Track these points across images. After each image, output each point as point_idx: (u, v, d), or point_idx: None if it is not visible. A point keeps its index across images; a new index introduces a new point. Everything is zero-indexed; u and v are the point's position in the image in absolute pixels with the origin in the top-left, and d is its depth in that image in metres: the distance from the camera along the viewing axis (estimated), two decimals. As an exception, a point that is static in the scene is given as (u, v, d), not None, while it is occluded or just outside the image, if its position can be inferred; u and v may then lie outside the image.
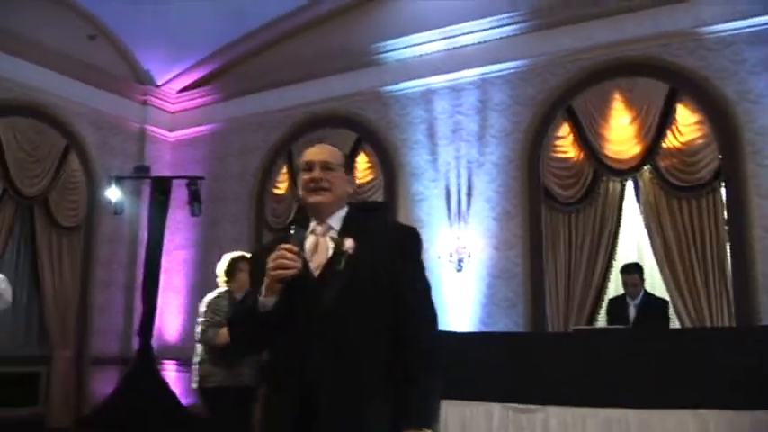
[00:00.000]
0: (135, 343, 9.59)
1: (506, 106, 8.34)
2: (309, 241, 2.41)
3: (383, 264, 2.32)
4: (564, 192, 7.76)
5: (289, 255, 2.24)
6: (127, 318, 10.27)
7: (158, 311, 9.70)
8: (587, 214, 7.61)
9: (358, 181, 8.76)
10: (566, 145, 7.86)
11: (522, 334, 7.41)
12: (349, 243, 2.33)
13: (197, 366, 5.45)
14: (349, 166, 2.58)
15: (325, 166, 2.45)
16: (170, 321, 10.51)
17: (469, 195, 8.38)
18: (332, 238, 2.39)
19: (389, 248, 2.36)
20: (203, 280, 10.26)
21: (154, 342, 9.49)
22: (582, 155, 7.72)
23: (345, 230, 2.41)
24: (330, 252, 2.36)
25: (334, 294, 2.27)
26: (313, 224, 2.46)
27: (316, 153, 2.49)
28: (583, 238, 7.59)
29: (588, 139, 7.67)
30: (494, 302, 8.02)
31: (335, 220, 2.45)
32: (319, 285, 2.31)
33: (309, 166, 2.47)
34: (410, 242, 2.46)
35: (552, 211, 7.84)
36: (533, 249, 7.87)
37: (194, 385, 5.49)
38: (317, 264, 2.36)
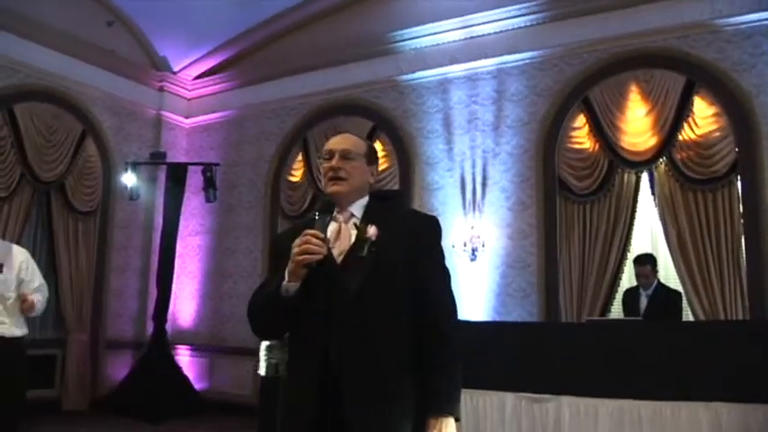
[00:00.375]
0: (149, 327, 9.68)
1: (522, 96, 8.34)
2: (332, 228, 2.42)
3: (404, 251, 2.34)
4: (579, 183, 7.76)
5: (314, 240, 2.26)
6: (141, 303, 10.34)
7: (172, 297, 9.79)
8: (602, 205, 7.60)
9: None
10: (581, 136, 7.86)
11: (535, 324, 7.43)
12: (372, 230, 2.36)
13: (266, 353, 5.39)
14: (372, 156, 2.58)
15: (345, 156, 2.48)
16: (184, 307, 10.56)
17: (484, 185, 8.39)
18: (355, 225, 2.43)
19: (409, 236, 2.38)
20: (218, 266, 10.39)
21: (168, 327, 9.60)
22: (597, 146, 7.71)
23: (367, 218, 2.44)
24: (353, 239, 2.39)
25: (358, 281, 2.28)
26: (336, 212, 2.47)
27: (337, 142, 2.53)
28: (597, 229, 7.58)
29: (604, 130, 7.66)
30: (507, 292, 8.03)
31: (356, 209, 2.49)
32: (342, 272, 2.32)
33: (330, 155, 2.50)
34: (430, 230, 2.48)
35: (567, 201, 7.84)
36: (547, 239, 7.87)
37: (262, 372, 5.44)
38: (339, 250, 2.38)
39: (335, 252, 2.38)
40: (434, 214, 8.22)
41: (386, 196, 3.14)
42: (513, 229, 8.14)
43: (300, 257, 2.24)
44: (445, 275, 2.46)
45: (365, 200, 2.52)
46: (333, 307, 2.28)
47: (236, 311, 10.05)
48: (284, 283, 2.30)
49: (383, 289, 2.29)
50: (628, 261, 7.36)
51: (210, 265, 10.50)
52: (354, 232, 2.41)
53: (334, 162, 2.47)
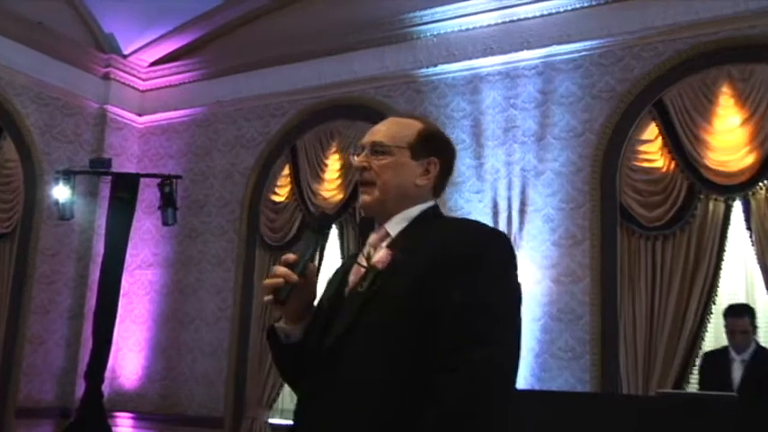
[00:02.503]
0: (79, 388, 9.52)
1: (575, 99, 8.32)
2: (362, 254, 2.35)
3: (418, 285, 2.13)
4: (648, 212, 7.71)
5: (280, 270, 2.20)
6: (70, 355, 10.21)
7: (113, 348, 9.64)
8: (678, 242, 7.55)
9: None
10: (652, 151, 7.82)
11: (587, 395, 7.38)
12: (380, 255, 2.23)
13: None
14: (425, 146, 2.38)
15: (376, 149, 2.35)
16: (128, 361, 10.48)
17: (523, 212, 8.35)
18: (366, 249, 2.35)
19: (433, 261, 2.15)
20: (175, 309, 10.39)
21: (105, 388, 9.43)
22: (673, 164, 7.68)
23: (401, 238, 2.28)
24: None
25: (343, 324, 2.18)
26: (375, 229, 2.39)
27: (371, 132, 2.41)
28: (672, 272, 7.52)
29: (683, 145, 7.62)
30: (551, 352, 7.97)
31: (395, 225, 2.33)
32: (339, 312, 2.25)
33: (360, 152, 2.41)
34: (472, 247, 2.20)
35: (632, 236, 7.80)
36: (605, 284, 7.81)
37: None
38: (351, 285, 2.30)
39: (349, 287, 2.30)
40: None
41: None
42: (560, 270, 8.09)
43: (265, 297, 2.22)
44: (492, 302, 2.13)
45: (414, 211, 2.35)
46: (312, 359, 2.24)
47: (196, 369, 9.97)
48: (278, 325, 2.30)
49: (376, 335, 2.13)
50: (713, 315, 7.29)
51: (165, 308, 10.45)
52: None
53: (359, 160, 2.37)
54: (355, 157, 2.39)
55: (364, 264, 2.27)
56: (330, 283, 2.39)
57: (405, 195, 2.34)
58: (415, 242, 2.22)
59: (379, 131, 2.38)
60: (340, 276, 2.36)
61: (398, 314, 2.11)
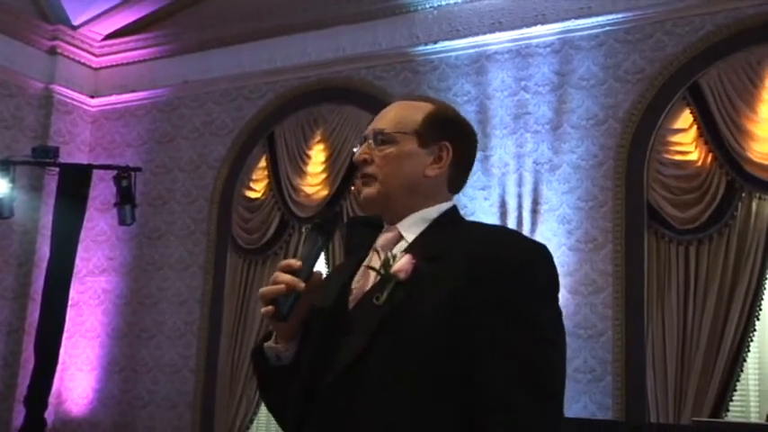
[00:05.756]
0: (18, 415, 9.49)
1: (596, 81, 8.32)
2: (370, 258, 2.31)
3: (457, 302, 2.08)
4: (680, 212, 7.71)
5: (282, 277, 2.15)
6: (8, 376, 10.15)
7: (59, 368, 9.65)
8: (716, 246, 7.54)
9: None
10: (686, 142, 7.83)
11: (609, 423, 7.40)
12: (402, 263, 2.15)
13: None
14: (434, 131, 2.36)
15: (379, 139, 2.34)
16: (77, 383, 10.45)
17: (535, 212, 8.36)
18: (382, 254, 2.27)
19: (477, 272, 2.10)
20: (133, 321, 10.40)
21: (49, 414, 9.43)
22: (710, 157, 7.68)
23: (421, 244, 2.24)
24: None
25: (359, 345, 2.11)
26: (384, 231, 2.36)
27: (375, 119, 2.40)
28: (708, 281, 7.50)
29: (721, 135, 7.61)
30: (568, 373, 7.81)
31: (409, 227, 2.31)
32: (344, 328, 2.19)
33: (362, 142, 2.40)
34: (521, 263, 2.16)
35: (661, 240, 7.81)
36: (630, 296, 7.81)
37: None
38: (356, 293, 2.25)
39: (352, 296, 2.26)
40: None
41: None
42: (578, 278, 8.09)
43: (263, 309, 2.16)
44: (539, 357, 2.10)
45: (432, 211, 2.33)
46: (314, 384, 2.16)
47: (157, 390, 9.94)
48: (268, 345, 2.27)
49: (401, 360, 2.08)
50: (756, 333, 7.29)
51: (121, 321, 10.42)
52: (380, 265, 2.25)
53: (360, 153, 2.36)
54: (355, 150, 2.38)
55: (379, 270, 2.20)
56: (326, 289, 2.30)
57: (413, 189, 2.31)
58: (440, 251, 2.19)
59: (383, 118, 2.38)
60: (340, 282, 2.30)
61: (430, 335, 2.07)
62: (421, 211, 2.30)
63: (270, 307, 2.14)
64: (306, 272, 2.18)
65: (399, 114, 2.36)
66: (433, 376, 2.05)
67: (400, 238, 2.29)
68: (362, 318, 2.16)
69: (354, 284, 2.26)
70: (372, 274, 2.23)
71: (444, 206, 2.34)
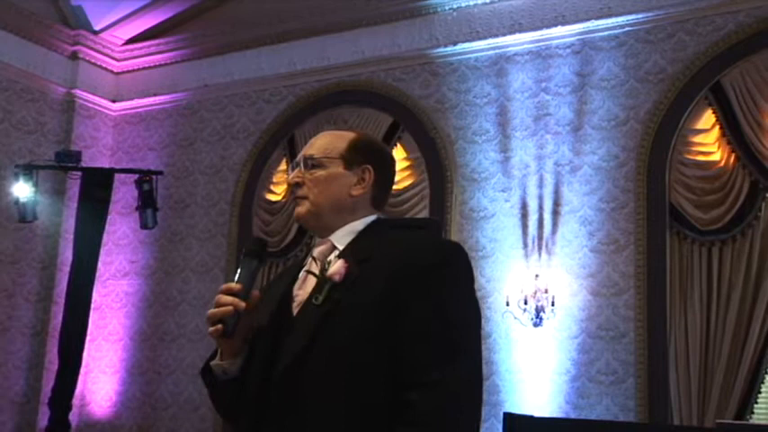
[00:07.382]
0: (43, 417, 9.51)
1: (618, 82, 8.32)
2: (309, 264, 2.58)
3: (384, 298, 2.36)
4: (702, 213, 7.71)
5: (224, 299, 2.40)
6: (32, 379, 10.21)
7: (83, 371, 9.61)
8: (739, 248, 7.53)
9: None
10: (708, 142, 7.83)
11: (632, 426, 7.42)
12: (336, 267, 2.43)
13: None
14: (357, 155, 2.62)
15: (309, 163, 2.59)
16: (100, 386, 10.49)
17: (556, 213, 8.37)
18: (318, 262, 2.53)
19: (399, 271, 2.39)
20: (155, 324, 10.44)
21: (73, 417, 9.37)
22: (733, 158, 7.67)
23: (352, 250, 2.50)
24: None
25: (299, 344, 2.37)
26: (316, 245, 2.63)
27: (306, 146, 2.68)
28: (731, 282, 7.48)
29: (745, 135, 7.60)
30: (590, 375, 7.94)
31: (341, 238, 2.56)
32: (289, 328, 2.45)
33: (294, 167, 2.68)
34: (436, 260, 2.44)
35: (683, 241, 7.82)
36: (652, 297, 7.79)
37: None
38: (299, 300, 2.50)
39: (295, 303, 2.51)
40: (481, 255, 8.24)
41: (410, 225, 3.23)
42: (600, 280, 8.08)
43: (210, 328, 2.41)
44: (452, 337, 2.37)
45: (358, 224, 2.59)
46: (261, 385, 2.42)
47: (179, 393, 9.99)
48: (214, 363, 2.49)
49: (339, 353, 2.34)
50: None
51: (143, 324, 10.45)
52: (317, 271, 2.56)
53: (292, 176, 2.63)
54: (289, 174, 2.64)
55: (317, 273, 2.48)
56: (268, 300, 2.54)
57: (340, 207, 2.58)
58: (369, 255, 2.46)
59: (312, 146, 2.64)
60: (280, 291, 2.55)
61: (365, 329, 2.33)
62: (349, 225, 2.57)
63: (219, 326, 2.36)
64: (245, 292, 2.41)
65: (327, 142, 2.63)
66: (366, 363, 2.31)
67: (333, 248, 2.53)
68: (304, 320, 2.42)
69: (296, 291, 2.51)
70: (313, 279, 2.49)
71: (369, 218, 2.61)
